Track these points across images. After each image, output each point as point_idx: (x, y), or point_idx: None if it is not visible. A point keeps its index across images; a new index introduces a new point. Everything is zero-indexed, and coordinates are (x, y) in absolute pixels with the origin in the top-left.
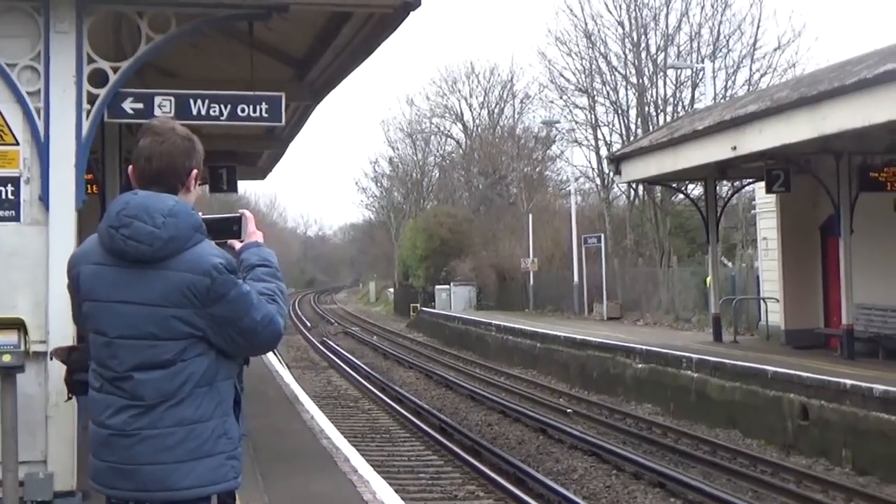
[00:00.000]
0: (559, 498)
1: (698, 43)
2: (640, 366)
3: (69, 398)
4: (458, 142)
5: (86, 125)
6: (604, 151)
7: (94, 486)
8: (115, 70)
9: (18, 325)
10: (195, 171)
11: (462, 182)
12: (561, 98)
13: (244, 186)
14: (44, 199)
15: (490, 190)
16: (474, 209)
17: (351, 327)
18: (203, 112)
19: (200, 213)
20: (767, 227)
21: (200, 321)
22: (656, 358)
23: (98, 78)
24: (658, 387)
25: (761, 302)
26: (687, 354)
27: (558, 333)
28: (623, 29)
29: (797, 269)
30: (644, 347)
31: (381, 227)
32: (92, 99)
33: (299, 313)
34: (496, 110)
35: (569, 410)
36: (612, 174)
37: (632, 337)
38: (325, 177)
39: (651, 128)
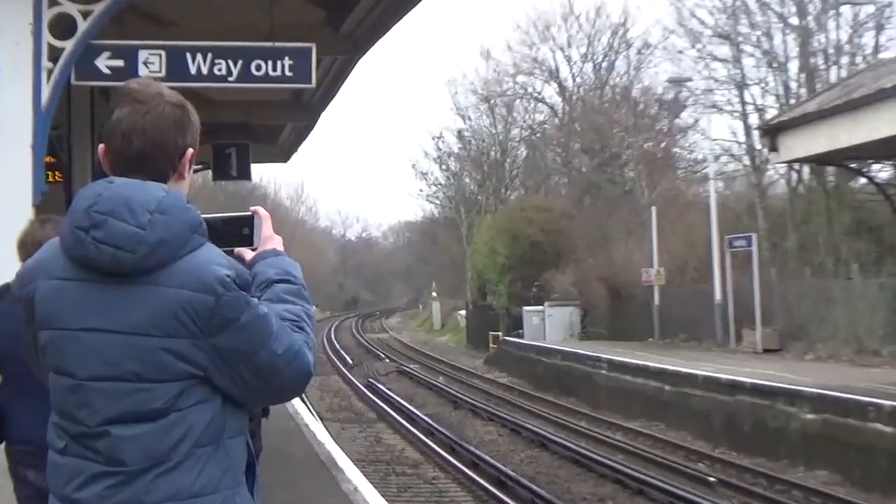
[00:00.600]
0: None
1: None
2: (809, 416)
3: None
4: (552, 108)
5: (46, 90)
6: (754, 120)
7: None
8: (85, 15)
9: None
10: (190, 151)
11: (558, 163)
12: (693, 47)
13: (260, 172)
14: None
15: (597, 174)
16: (576, 200)
17: (408, 364)
18: (205, 71)
19: (199, 212)
20: None
21: (201, 356)
22: (833, 406)
23: (63, 26)
24: (836, 446)
25: None
26: (876, 401)
27: (695, 372)
28: None
29: None
30: (815, 391)
31: (448, 227)
32: (55, 55)
33: (336, 345)
34: (604, 65)
35: (712, 479)
36: (766, 151)
37: (798, 376)
38: (369, 159)
39: (819, 86)
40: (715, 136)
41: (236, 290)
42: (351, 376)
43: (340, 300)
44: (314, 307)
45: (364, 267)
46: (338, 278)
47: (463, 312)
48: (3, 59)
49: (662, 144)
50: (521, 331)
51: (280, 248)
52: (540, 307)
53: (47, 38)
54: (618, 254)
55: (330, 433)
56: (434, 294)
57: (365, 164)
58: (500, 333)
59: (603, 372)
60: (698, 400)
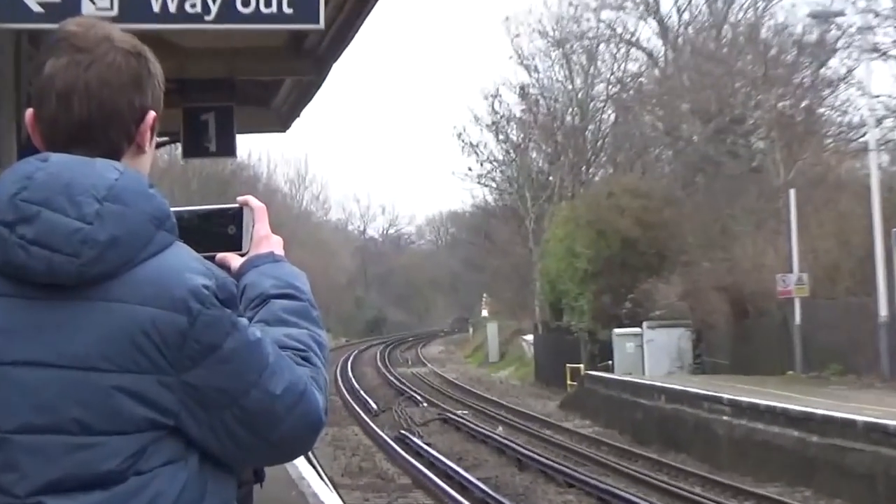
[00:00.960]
0: None
1: None
2: None
3: None
4: (650, 55)
5: None
6: None
7: None
8: None
9: None
10: (151, 116)
11: (660, 131)
12: None
13: (248, 145)
14: None
15: (714, 145)
16: (685, 182)
17: (454, 409)
18: (172, 8)
19: (167, 200)
20: None
21: (170, 398)
22: None
23: None
24: None
25: None
26: None
27: (853, 417)
28: None
29: None
30: None
31: (508, 219)
32: None
33: (355, 384)
34: None
35: None
36: None
37: None
38: (398, 129)
39: None
40: (877, 92)
41: (218, 306)
42: (375, 427)
43: (359, 321)
44: (325, 332)
45: (392, 275)
46: (355, 291)
47: (530, 338)
48: None
49: (803, 103)
50: (610, 362)
51: (279, 251)
52: (636, 329)
53: None
54: (743, 255)
55: None
56: (484, 312)
57: (392, 136)
58: (581, 366)
59: (725, 418)
60: (858, 456)
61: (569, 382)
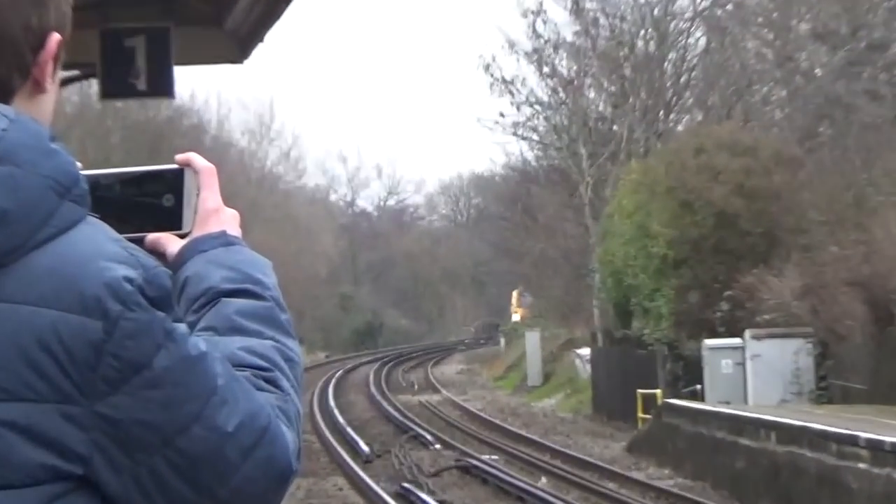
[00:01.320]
0: None
1: None
2: None
3: None
4: None
5: None
6: None
7: None
8: None
9: None
10: (54, 39)
11: (769, 61)
12: None
13: (191, 82)
14: None
15: (845, 81)
16: (805, 133)
17: (478, 453)
18: None
19: (80, 165)
20: None
21: (77, 436)
22: None
23: None
24: None
25: None
26: None
27: None
28: None
29: None
30: None
31: (556, 185)
32: None
33: (339, 418)
34: None
35: None
36: None
37: None
38: (400, 63)
39: None
40: None
41: (146, 308)
42: (367, 478)
43: (346, 329)
44: (298, 343)
45: (391, 265)
46: (340, 287)
47: (585, 352)
48: None
49: None
50: (698, 386)
51: (233, 230)
52: (736, 340)
53: None
54: (886, 236)
55: None
56: (515, 316)
57: (392, 70)
58: (657, 392)
59: (861, 466)
60: None
61: (640, 415)
